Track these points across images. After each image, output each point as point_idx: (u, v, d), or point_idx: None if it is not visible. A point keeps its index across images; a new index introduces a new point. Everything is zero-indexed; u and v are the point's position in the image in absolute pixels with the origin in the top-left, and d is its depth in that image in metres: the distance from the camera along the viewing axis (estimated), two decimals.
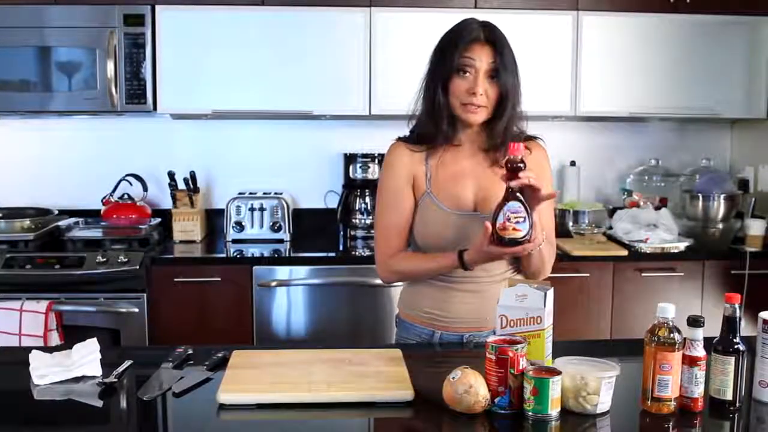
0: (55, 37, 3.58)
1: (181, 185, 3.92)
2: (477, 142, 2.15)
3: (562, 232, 3.68)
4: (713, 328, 1.68)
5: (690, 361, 1.60)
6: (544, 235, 1.96)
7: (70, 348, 1.92)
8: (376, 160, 3.99)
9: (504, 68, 2.04)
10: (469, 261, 2.01)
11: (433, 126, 2.12)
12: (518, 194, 1.83)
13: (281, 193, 3.98)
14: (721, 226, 3.82)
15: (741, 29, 3.89)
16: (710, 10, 3.82)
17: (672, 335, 1.58)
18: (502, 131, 2.09)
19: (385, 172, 2.20)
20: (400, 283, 3.45)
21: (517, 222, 1.82)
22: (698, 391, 1.60)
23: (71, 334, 3.19)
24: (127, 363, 1.88)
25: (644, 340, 1.61)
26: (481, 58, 2.04)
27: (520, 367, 1.57)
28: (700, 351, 1.60)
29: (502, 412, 1.58)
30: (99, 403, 1.70)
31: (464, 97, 2.05)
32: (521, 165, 1.82)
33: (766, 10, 3.88)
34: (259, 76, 3.73)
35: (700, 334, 1.60)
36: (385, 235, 2.17)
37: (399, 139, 2.22)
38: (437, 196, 2.12)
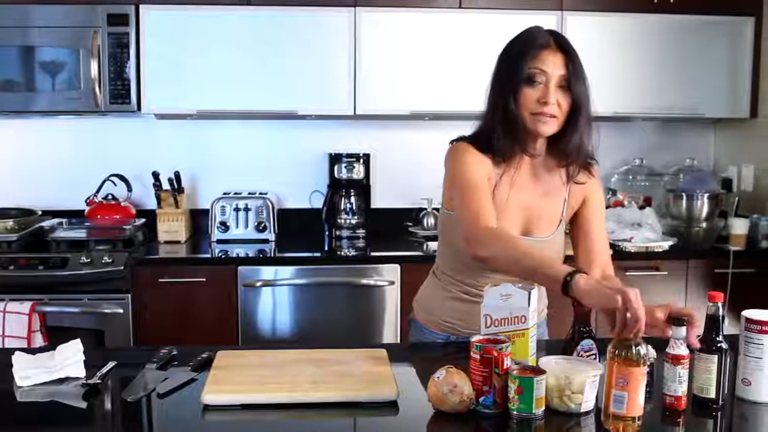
0: (38, 37, 3.56)
1: (166, 185, 3.90)
2: (544, 157, 2.07)
3: None
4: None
5: (673, 360, 1.60)
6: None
7: (54, 349, 1.90)
8: (361, 160, 3.99)
9: (576, 77, 1.94)
10: (576, 288, 1.63)
11: (511, 139, 1.99)
12: (590, 330, 1.74)
13: (266, 193, 3.97)
14: (704, 225, 3.84)
15: (724, 29, 3.91)
16: (694, 11, 3.85)
17: (636, 349, 1.50)
18: (578, 146, 2.00)
19: (458, 163, 2.02)
20: (384, 282, 3.45)
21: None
22: (682, 389, 1.61)
23: (55, 336, 3.17)
24: (111, 364, 1.87)
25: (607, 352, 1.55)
26: (553, 67, 1.93)
27: (505, 367, 1.58)
28: (683, 350, 1.61)
29: (487, 411, 1.58)
30: (83, 405, 1.69)
31: (535, 107, 1.94)
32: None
33: (748, 11, 3.90)
34: (244, 76, 3.72)
35: (683, 332, 1.61)
36: (477, 209, 1.93)
37: (462, 139, 2.08)
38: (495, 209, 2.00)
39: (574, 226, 2.17)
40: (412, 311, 2.31)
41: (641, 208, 3.86)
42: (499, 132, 1.99)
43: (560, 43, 1.97)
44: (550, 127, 1.97)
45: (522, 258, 1.79)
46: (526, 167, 2.07)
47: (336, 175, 4.01)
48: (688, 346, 1.63)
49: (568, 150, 2.01)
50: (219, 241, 3.84)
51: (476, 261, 1.89)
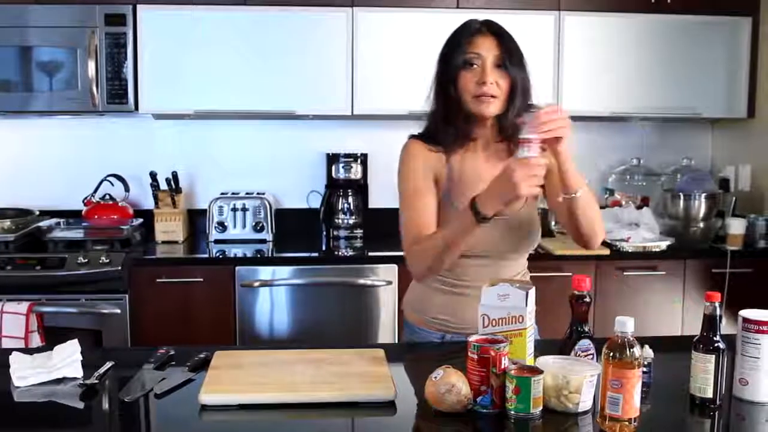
0: (36, 37, 3.56)
1: (163, 185, 3.90)
2: (491, 140, 2.11)
3: (544, 231, 3.68)
4: (694, 326, 1.69)
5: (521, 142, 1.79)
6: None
7: (51, 350, 1.90)
8: (359, 161, 3.99)
9: (510, 57, 2.01)
10: (481, 203, 1.84)
11: (450, 125, 2.07)
12: (587, 330, 1.75)
13: (263, 193, 3.97)
14: (702, 225, 3.84)
15: (722, 29, 3.92)
16: (691, 11, 3.85)
17: (630, 350, 1.50)
18: (513, 122, 2.02)
19: (405, 169, 2.12)
20: (382, 283, 3.45)
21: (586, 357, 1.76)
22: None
23: (52, 336, 3.17)
24: (108, 364, 1.87)
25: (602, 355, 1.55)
26: (486, 49, 2.01)
27: (502, 366, 1.58)
28: (528, 134, 1.79)
29: (485, 411, 1.58)
30: (80, 405, 1.69)
31: (475, 89, 2.00)
32: (587, 299, 1.74)
33: (746, 11, 3.91)
34: (242, 76, 3.72)
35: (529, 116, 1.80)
36: (412, 231, 2.08)
37: (413, 137, 2.15)
38: (456, 199, 2.06)
39: (554, 195, 2.14)
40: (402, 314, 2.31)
41: (639, 207, 3.86)
42: (441, 122, 2.08)
43: (492, 28, 2.06)
44: (493, 107, 2.02)
45: (442, 237, 1.96)
46: (480, 153, 2.12)
47: (333, 175, 4.01)
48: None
49: (506, 125, 2.06)
50: (216, 241, 3.84)
51: (420, 279, 2.13)
